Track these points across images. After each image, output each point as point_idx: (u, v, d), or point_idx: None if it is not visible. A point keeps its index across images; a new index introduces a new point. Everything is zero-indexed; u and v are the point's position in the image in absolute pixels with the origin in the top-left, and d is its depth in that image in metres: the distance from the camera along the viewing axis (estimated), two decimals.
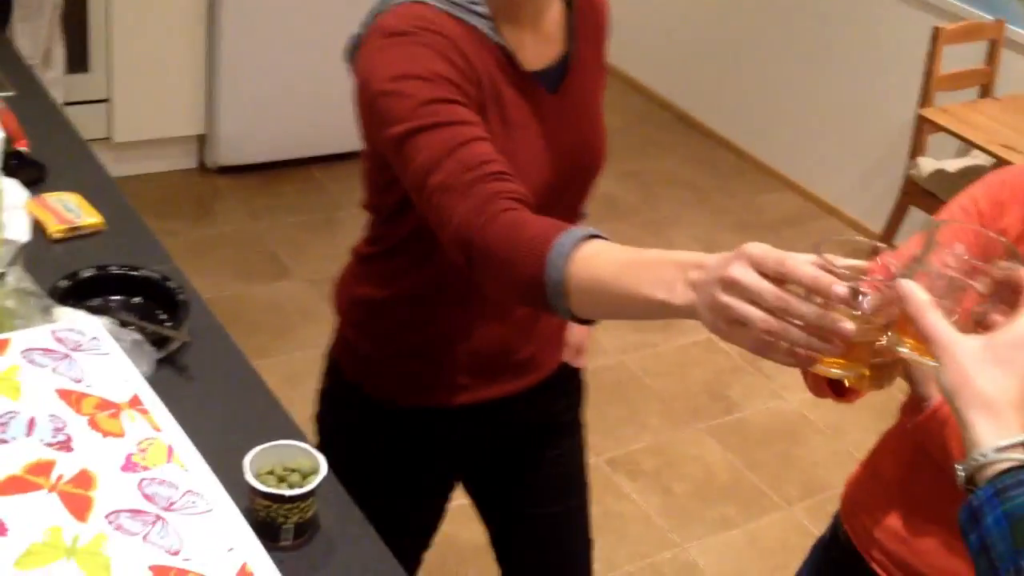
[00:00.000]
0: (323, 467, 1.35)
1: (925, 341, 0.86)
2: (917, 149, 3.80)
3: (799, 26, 4.60)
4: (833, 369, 0.94)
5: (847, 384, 1.05)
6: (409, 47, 1.30)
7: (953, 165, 3.79)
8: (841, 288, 0.87)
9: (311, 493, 1.33)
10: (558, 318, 1.23)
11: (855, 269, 0.93)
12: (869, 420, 3.28)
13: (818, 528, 1.57)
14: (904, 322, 0.90)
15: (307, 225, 3.89)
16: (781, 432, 3.30)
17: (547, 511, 1.78)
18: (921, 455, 1.32)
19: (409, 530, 1.74)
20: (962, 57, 3.83)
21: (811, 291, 0.88)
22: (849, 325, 0.88)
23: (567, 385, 1.76)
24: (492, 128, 1.35)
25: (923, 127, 3.73)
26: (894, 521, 1.38)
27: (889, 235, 3.95)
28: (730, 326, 0.93)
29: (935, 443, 1.27)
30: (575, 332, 1.70)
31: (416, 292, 1.54)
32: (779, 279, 0.90)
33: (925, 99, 3.73)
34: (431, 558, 1.81)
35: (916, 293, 0.87)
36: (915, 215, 3.95)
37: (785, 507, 3.00)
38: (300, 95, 4.02)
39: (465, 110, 1.28)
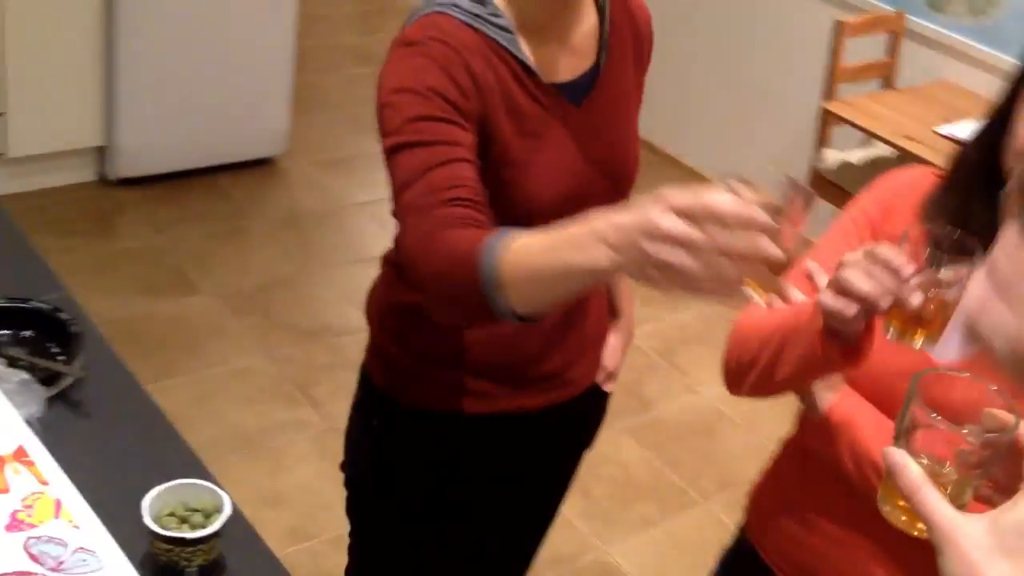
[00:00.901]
0: (227, 505, 1.32)
1: (921, 520, 0.78)
2: (822, 141, 3.85)
3: (704, 21, 4.63)
4: (755, 293, 1.02)
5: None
6: (414, 58, 1.33)
7: (857, 157, 3.86)
8: (763, 216, 0.94)
9: (215, 534, 1.29)
10: (576, 331, 1.40)
11: (766, 204, 0.97)
12: (782, 413, 3.31)
13: (736, 521, 1.57)
14: None
15: (214, 236, 3.81)
16: (697, 427, 3.33)
17: (516, 535, 1.82)
18: (815, 460, 1.34)
19: (430, 556, 1.73)
20: (864, 49, 3.89)
21: (735, 224, 0.95)
22: (775, 249, 0.95)
23: (597, 412, 1.75)
24: (506, 138, 1.36)
25: (827, 120, 3.78)
26: (791, 525, 1.39)
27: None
28: (662, 272, 0.99)
29: (827, 450, 1.29)
30: (610, 355, 1.67)
31: None
32: (698, 218, 0.97)
33: (829, 92, 3.78)
34: None
35: (909, 469, 0.78)
36: (823, 207, 4.01)
37: (703, 502, 3.02)
38: (202, 103, 3.93)
39: (453, 128, 1.30)
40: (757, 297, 1.03)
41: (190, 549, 1.27)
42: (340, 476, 1.81)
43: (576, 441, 1.78)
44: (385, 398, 1.62)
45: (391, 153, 1.30)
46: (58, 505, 1.09)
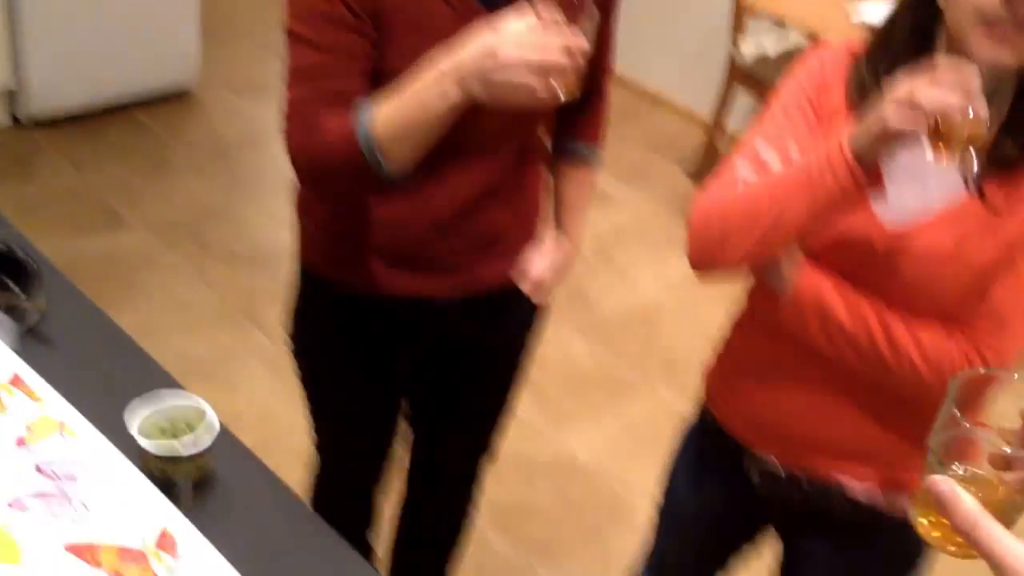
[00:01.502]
0: (215, 419, 1.34)
1: (977, 551, 0.69)
2: (738, 32, 3.90)
3: None
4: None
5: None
6: None
7: (772, 46, 3.92)
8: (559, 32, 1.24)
9: (208, 449, 1.31)
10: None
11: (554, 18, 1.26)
12: (718, 299, 3.42)
13: (682, 405, 1.64)
14: None
15: (138, 171, 3.75)
16: (639, 320, 3.42)
17: (466, 434, 1.89)
18: (778, 331, 1.39)
19: (361, 436, 1.84)
20: None
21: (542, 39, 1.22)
22: (583, 40, 1.25)
23: (521, 314, 1.77)
24: (406, 36, 1.38)
25: (742, 9, 3.82)
26: (761, 398, 1.45)
27: (718, 120, 4.07)
28: (506, 90, 1.26)
29: (795, 324, 1.34)
30: (536, 266, 1.66)
31: None
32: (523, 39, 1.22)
33: None
34: None
35: (961, 502, 0.69)
36: (741, 98, 4.07)
37: (651, 390, 3.12)
38: (113, 37, 3.83)
39: (352, 36, 1.36)
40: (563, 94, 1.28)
41: (184, 464, 1.29)
42: (297, 395, 1.86)
43: (498, 338, 1.79)
44: (304, 271, 1.70)
45: (290, 38, 1.40)
46: (61, 425, 1.10)
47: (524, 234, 1.67)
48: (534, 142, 1.62)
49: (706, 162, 4.12)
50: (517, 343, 1.82)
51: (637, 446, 2.92)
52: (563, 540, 2.63)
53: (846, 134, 1.19)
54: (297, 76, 1.40)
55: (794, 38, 3.93)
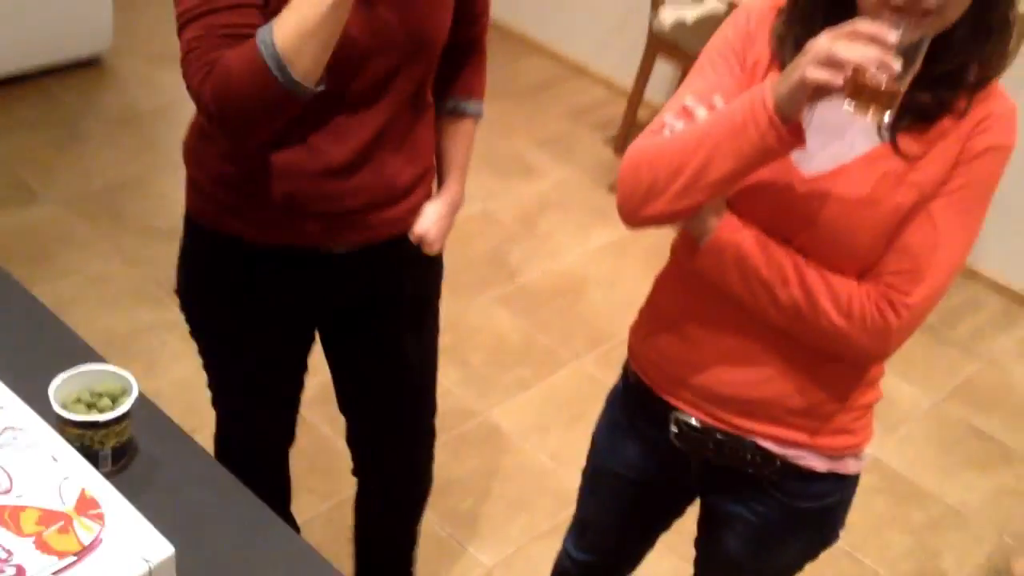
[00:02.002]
0: (134, 387, 1.32)
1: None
2: (656, 1, 3.92)
3: None
4: None
5: None
6: None
7: (691, 15, 3.95)
8: None
9: (125, 415, 1.30)
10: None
11: None
12: (641, 269, 3.45)
13: (606, 376, 1.66)
14: None
15: (50, 142, 3.65)
16: (562, 290, 3.43)
17: (396, 394, 1.86)
18: (697, 282, 1.42)
19: (263, 386, 1.82)
20: None
21: None
22: None
23: (416, 264, 1.76)
24: None
25: None
26: (679, 348, 1.48)
27: (639, 88, 4.09)
28: None
29: (714, 272, 1.37)
30: (423, 218, 1.70)
31: None
32: None
33: None
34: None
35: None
36: (662, 67, 4.10)
37: (575, 360, 3.14)
38: (22, 3, 3.71)
39: None
40: None
41: (103, 432, 1.27)
42: None
43: (399, 288, 1.79)
44: (191, 220, 1.69)
45: None
46: None
47: (416, 185, 1.69)
48: (422, 94, 1.63)
49: (628, 132, 4.15)
50: (419, 293, 1.83)
51: (563, 417, 2.94)
52: (491, 514, 2.64)
53: (769, 86, 1.21)
54: (187, 17, 1.39)
55: (712, 4, 3.97)
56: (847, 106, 1.17)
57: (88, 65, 4.04)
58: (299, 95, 1.37)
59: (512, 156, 4.05)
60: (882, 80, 1.14)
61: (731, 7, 3.52)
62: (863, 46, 1.13)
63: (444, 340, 3.11)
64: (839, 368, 1.41)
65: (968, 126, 1.26)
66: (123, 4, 4.11)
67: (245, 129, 1.42)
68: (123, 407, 1.29)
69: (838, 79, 1.14)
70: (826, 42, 1.15)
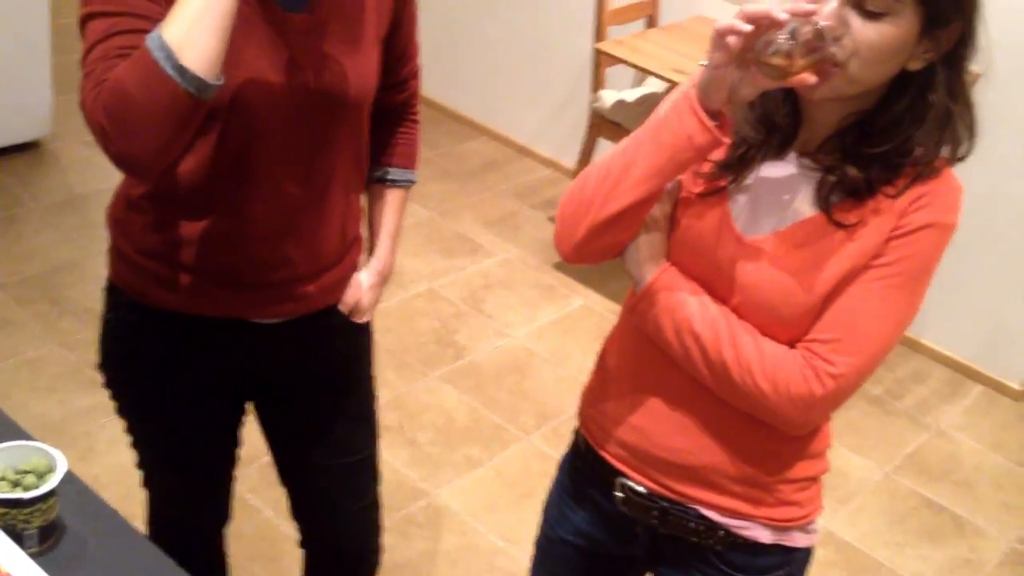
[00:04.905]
0: (60, 464, 1.27)
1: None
2: (598, 82, 3.98)
3: None
4: None
5: None
6: None
7: (632, 95, 4.00)
8: None
9: (51, 493, 1.24)
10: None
11: None
12: (589, 344, 3.43)
13: (556, 452, 1.63)
14: None
15: None
16: (510, 368, 3.40)
17: (336, 462, 1.80)
18: (640, 340, 1.41)
19: (192, 463, 1.76)
20: None
21: None
22: None
23: (346, 333, 1.73)
24: None
25: (600, 60, 3.90)
26: (625, 412, 1.45)
27: (582, 168, 4.11)
28: None
29: (649, 321, 1.36)
30: (351, 290, 1.70)
31: (155, 193, 1.54)
32: None
33: (599, 33, 3.90)
34: None
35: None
36: (605, 146, 4.15)
37: (524, 437, 3.10)
38: None
39: (142, 1, 1.35)
40: None
41: (27, 510, 1.22)
42: None
43: (328, 360, 1.75)
44: (116, 290, 1.64)
45: (82, 23, 1.37)
46: None
47: (345, 254, 1.68)
48: (352, 162, 1.62)
49: None
50: (350, 361, 1.80)
51: (512, 495, 2.88)
52: None
53: (696, 79, 1.22)
54: (90, 47, 1.35)
55: (652, 85, 4.03)
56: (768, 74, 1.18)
57: (27, 148, 3.99)
58: (195, 91, 1.28)
59: (458, 236, 4.05)
60: (780, 48, 1.14)
61: (671, 87, 3.58)
62: (750, 17, 1.14)
63: (391, 419, 3.09)
64: (777, 436, 1.38)
65: (904, 203, 1.26)
66: (63, 87, 4.08)
67: (143, 141, 1.31)
68: (49, 484, 1.23)
69: (732, 56, 1.15)
70: (724, 22, 1.17)
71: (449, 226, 4.09)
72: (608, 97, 3.96)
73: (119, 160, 1.35)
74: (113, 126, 1.30)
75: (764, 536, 1.43)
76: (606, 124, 3.97)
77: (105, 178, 3.90)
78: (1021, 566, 2.94)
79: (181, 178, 1.49)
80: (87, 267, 3.45)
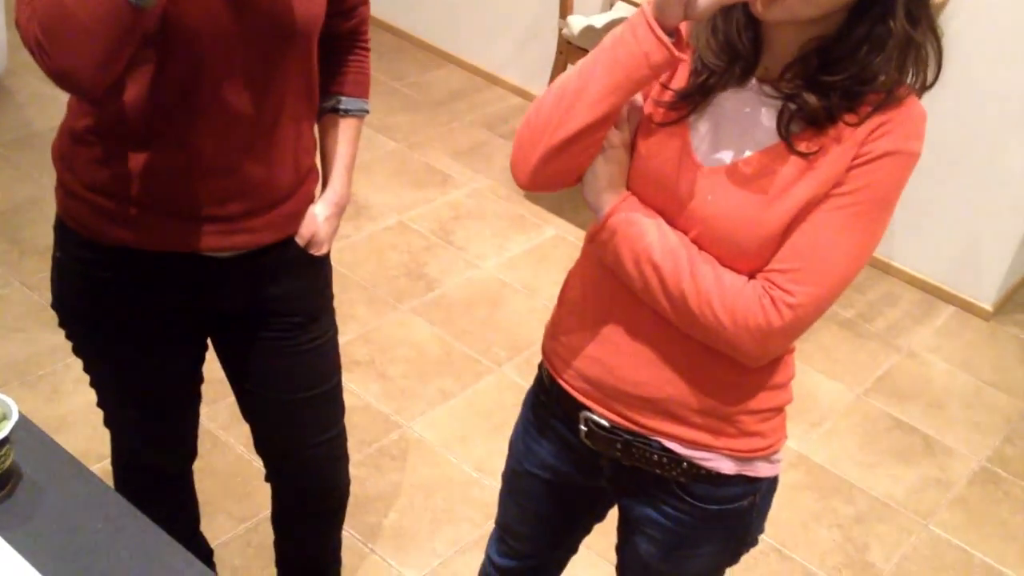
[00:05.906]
0: (14, 411, 1.24)
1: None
2: (566, 8, 3.90)
3: None
4: None
5: None
6: None
7: (601, 20, 3.93)
8: None
9: (5, 440, 1.21)
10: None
11: None
12: (560, 275, 3.41)
13: (528, 382, 1.62)
14: None
15: None
16: (481, 299, 3.38)
17: (296, 396, 1.77)
18: (601, 271, 1.38)
19: (153, 398, 1.73)
20: None
21: None
22: None
23: (303, 266, 1.70)
24: None
25: None
26: (587, 344, 1.44)
27: None
28: None
29: (609, 250, 1.33)
30: (306, 222, 1.67)
31: (100, 126, 1.50)
32: None
33: None
34: None
35: None
36: None
37: (496, 369, 3.09)
38: None
39: None
40: None
41: None
42: None
43: (285, 290, 1.72)
44: (64, 228, 1.61)
45: None
46: None
47: (299, 186, 1.65)
48: (303, 92, 1.58)
49: None
50: (310, 293, 1.76)
51: (485, 426, 2.88)
52: (415, 528, 2.57)
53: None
54: None
55: (621, 9, 3.96)
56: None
57: None
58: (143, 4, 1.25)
59: (426, 167, 3.99)
60: None
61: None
62: None
63: (362, 353, 3.07)
64: (738, 368, 1.37)
65: (865, 131, 1.23)
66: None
67: (81, 54, 1.27)
68: (2, 431, 1.20)
69: None
70: None
71: (417, 157, 4.04)
72: (577, 23, 3.89)
73: (58, 76, 1.31)
74: (49, 40, 1.27)
75: (727, 467, 1.42)
76: (575, 50, 3.91)
77: (62, 115, 3.83)
78: (991, 484, 2.97)
79: (125, 109, 1.45)
80: (47, 205, 3.37)
